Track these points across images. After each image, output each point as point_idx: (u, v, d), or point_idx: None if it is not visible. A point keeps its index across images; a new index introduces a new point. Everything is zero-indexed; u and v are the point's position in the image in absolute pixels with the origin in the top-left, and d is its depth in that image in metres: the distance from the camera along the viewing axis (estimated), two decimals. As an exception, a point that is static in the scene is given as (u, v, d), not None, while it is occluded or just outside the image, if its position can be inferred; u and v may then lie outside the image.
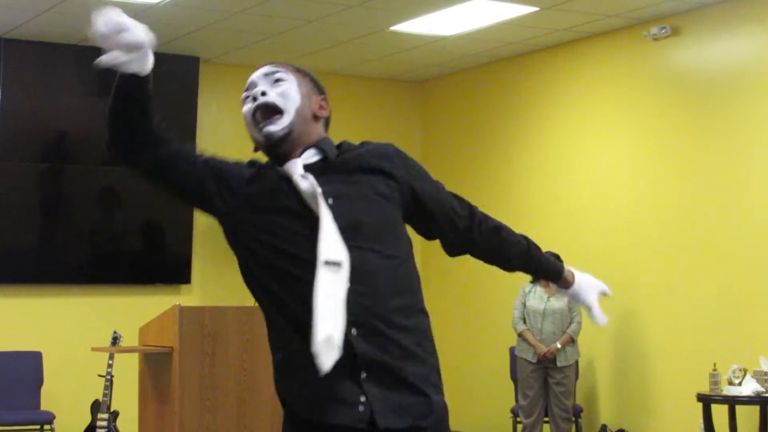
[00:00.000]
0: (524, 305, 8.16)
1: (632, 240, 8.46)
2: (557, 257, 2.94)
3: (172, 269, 9.40)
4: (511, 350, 8.71)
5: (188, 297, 9.34)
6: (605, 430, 8.43)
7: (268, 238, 2.54)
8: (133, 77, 2.66)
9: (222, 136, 9.79)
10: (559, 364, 8.01)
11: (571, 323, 8.09)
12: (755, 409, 7.34)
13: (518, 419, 8.38)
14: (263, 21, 8.27)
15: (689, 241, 8.05)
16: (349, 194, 2.55)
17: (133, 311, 8.56)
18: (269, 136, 2.57)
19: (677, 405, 7.98)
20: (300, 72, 2.71)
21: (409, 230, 2.93)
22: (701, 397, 7.32)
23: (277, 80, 2.65)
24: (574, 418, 8.18)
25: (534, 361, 8.03)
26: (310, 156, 2.60)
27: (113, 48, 2.69)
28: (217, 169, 2.70)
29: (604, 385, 8.66)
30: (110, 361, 8.11)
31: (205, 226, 9.60)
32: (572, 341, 8.08)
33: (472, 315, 9.86)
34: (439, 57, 9.60)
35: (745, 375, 7.20)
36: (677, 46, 8.19)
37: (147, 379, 6.62)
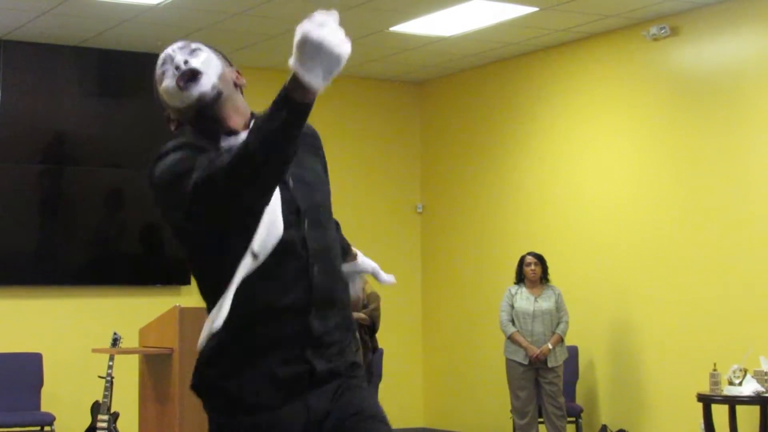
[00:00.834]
0: (512, 307, 8.15)
1: (632, 239, 8.46)
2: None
3: (172, 270, 9.39)
4: (511, 351, 8.72)
5: (188, 298, 9.32)
6: (605, 430, 8.43)
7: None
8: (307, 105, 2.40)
9: (222, 137, 9.79)
10: (549, 364, 8.01)
11: (559, 323, 8.10)
12: (755, 409, 7.33)
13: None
14: (263, 22, 8.27)
15: (689, 240, 8.05)
16: (305, 175, 2.57)
17: (133, 312, 8.56)
18: (201, 97, 2.57)
19: (677, 405, 7.98)
20: (209, 46, 2.69)
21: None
22: (701, 397, 7.32)
23: (194, 50, 2.62)
24: (568, 416, 8.18)
25: (525, 362, 8.03)
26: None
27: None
28: None
29: (605, 385, 8.66)
30: (110, 363, 8.11)
31: (205, 227, 9.60)
32: (561, 341, 8.09)
33: (471, 316, 9.85)
34: (438, 57, 9.60)
35: (745, 375, 7.19)
36: (676, 46, 8.19)
37: (147, 380, 6.62)
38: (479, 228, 9.86)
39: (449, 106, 10.35)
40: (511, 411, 8.20)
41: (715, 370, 7.31)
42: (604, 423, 8.52)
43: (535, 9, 7.97)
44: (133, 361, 6.97)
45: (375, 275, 3.06)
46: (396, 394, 9.73)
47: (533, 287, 8.17)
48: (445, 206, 10.29)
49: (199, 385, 2.70)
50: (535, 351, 7.97)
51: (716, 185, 7.88)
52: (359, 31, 8.58)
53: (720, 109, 7.89)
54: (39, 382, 8.48)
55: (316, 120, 9.75)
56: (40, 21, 8.16)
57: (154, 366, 6.51)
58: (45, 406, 8.43)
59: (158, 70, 2.68)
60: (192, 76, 2.58)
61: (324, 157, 2.72)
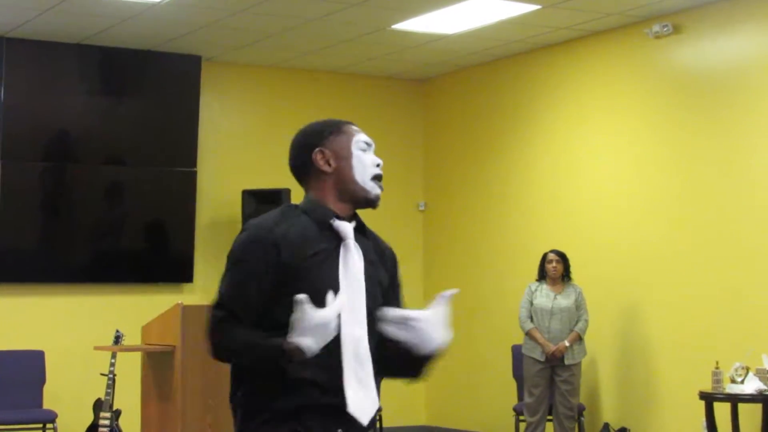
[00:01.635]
0: (531, 303, 8.15)
1: (634, 238, 8.46)
2: None
3: (175, 268, 9.40)
4: (514, 348, 8.70)
5: (191, 296, 9.34)
6: (608, 429, 8.43)
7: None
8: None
9: (223, 134, 9.80)
10: (566, 362, 8.01)
11: (578, 321, 8.09)
12: (758, 407, 7.33)
13: (521, 417, 8.38)
14: (265, 20, 8.27)
15: (691, 239, 8.05)
16: (371, 276, 2.90)
17: (136, 310, 8.57)
18: (377, 200, 3.05)
19: (680, 403, 7.98)
20: None
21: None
22: (704, 395, 7.32)
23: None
24: (576, 416, 8.18)
25: (542, 359, 8.02)
26: (354, 223, 2.92)
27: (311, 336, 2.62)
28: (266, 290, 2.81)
29: (607, 383, 8.65)
30: (113, 360, 8.11)
31: (207, 225, 9.61)
32: (580, 339, 8.08)
33: (474, 313, 9.85)
34: (440, 55, 9.59)
35: (747, 373, 7.19)
36: (679, 43, 8.19)
37: (149, 377, 6.62)
38: (481, 226, 9.86)
39: (451, 104, 10.35)
40: (523, 407, 8.20)
41: (717, 368, 7.31)
42: (606, 421, 8.52)
43: (538, 7, 7.97)
44: (136, 358, 6.97)
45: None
46: (398, 391, 9.69)
47: (554, 285, 8.17)
48: (447, 204, 10.29)
49: None
50: (551, 348, 7.97)
51: (718, 183, 7.88)
52: (361, 29, 8.58)
53: (722, 106, 7.88)
54: (41, 379, 8.48)
55: (318, 117, 9.71)
56: (43, 18, 8.17)
57: (157, 363, 6.52)
58: (47, 404, 8.43)
59: (365, 141, 2.99)
60: (381, 179, 3.01)
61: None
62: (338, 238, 2.81)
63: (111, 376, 8.06)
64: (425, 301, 10.74)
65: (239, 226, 9.38)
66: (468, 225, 10.01)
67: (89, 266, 9.13)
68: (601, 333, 8.56)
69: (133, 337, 7.55)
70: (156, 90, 9.38)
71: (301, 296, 2.59)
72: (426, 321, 3.15)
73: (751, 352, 7.30)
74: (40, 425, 8.20)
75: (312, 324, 2.59)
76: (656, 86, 8.38)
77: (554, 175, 9.21)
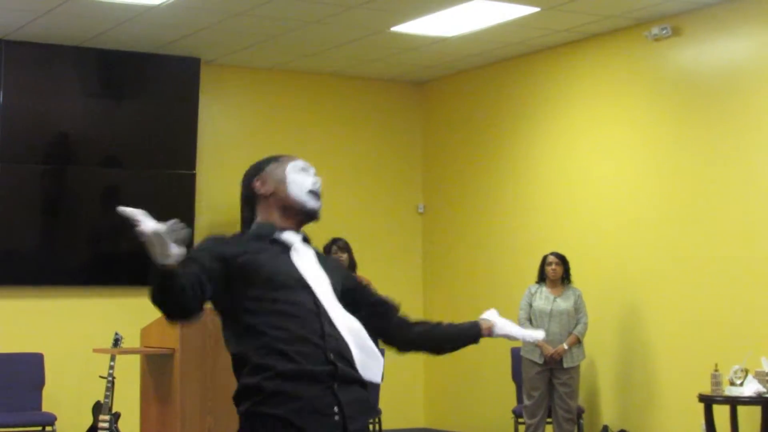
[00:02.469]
0: (530, 306, 8.15)
1: (634, 240, 8.46)
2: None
3: (174, 270, 9.39)
4: (513, 351, 8.70)
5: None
6: (607, 431, 8.43)
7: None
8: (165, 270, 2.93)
9: (223, 136, 9.80)
10: (565, 365, 8.00)
11: (577, 324, 8.08)
12: (757, 410, 7.33)
13: (520, 420, 8.37)
14: (264, 22, 8.27)
15: (691, 241, 8.05)
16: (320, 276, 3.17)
17: (135, 312, 8.52)
18: (316, 212, 3.26)
19: (679, 405, 7.98)
20: None
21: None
22: (703, 398, 7.32)
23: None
24: (575, 419, 8.18)
25: (540, 362, 8.02)
26: (300, 235, 3.24)
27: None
28: (215, 266, 3.13)
29: (606, 385, 8.65)
30: (112, 363, 8.11)
31: (206, 228, 9.61)
32: (578, 342, 8.07)
33: (473, 316, 9.82)
34: (440, 58, 9.60)
35: (746, 375, 7.19)
36: (678, 46, 8.19)
37: (148, 380, 6.62)
38: (480, 228, 9.86)
39: (451, 106, 10.35)
40: (522, 409, 8.19)
41: (716, 370, 7.31)
42: (605, 423, 8.52)
43: (537, 9, 7.97)
44: (135, 361, 6.97)
45: (524, 339, 3.66)
46: (397, 394, 9.73)
47: (554, 287, 8.16)
48: (446, 207, 10.29)
49: None
50: (550, 350, 7.96)
51: (718, 185, 7.88)
52: (360, 32, 8.59)
53: (722, 108, 7.88)
54: (40, 382, 8.48)
55: (318, 121, 9.78)
56: (42, 21, 8.16)
57: (156, 366, 6.52)
58: (46, 406, 8.43)
59: (302, 164, 3.29)
60: (319, 196, 3.27)
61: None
62: (286, 247, 3.14)
63: (110, 378, 8.06)
64: (424, 302, 10.76)
65: (238, 229, 9.42)
66: (467, 227, 10.01)
67: (88, 269, 9.13)
68: (600, 335, 8.56)
69: (132, 340, 7.55)
70: (155, 92, 9.38)
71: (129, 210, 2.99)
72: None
73: (750, 354, 7.30)
74: (40, 428, 8.20)
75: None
76: (655, 89, 8.38)
77: (554, 177, 9.21)
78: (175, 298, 2.94)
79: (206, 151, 9.59)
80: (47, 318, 8.94)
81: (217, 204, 9.65)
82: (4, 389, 8.32)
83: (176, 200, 9.36)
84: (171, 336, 6.34)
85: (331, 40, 8.84)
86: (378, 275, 9.12)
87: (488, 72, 9.87)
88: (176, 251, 2.90)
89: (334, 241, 8.04)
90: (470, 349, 10.61)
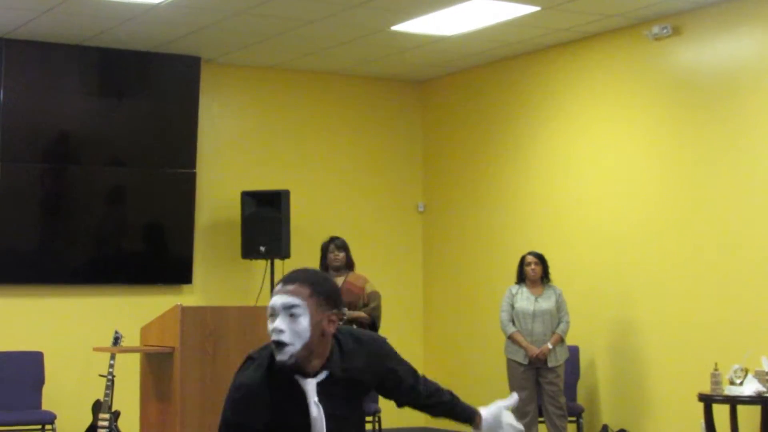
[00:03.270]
0: (512, 307, 8.14)
1: (633, 239, 8.46)
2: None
3: (174, 269, 9.40)
4: (510, 351, 8.71)
5: (190, 297, 9.34)
6: (606, 430, 8.43)
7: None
8: None
9: (223, 135, 9.80)
10: (550, 364, 8.00)
11: (560, 323, 8.09)
12: (756, 409, 7.33)
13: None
14: (264, 21, 8.27)
15: (691, 240, 8.05)
16: (344, 414, 3.19)
17: (135, 311, 8.57)
18: (281, 364, 3.06)
19: (678, 405, 7.98)
20: (315, 295, 3.10)
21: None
22: (702, 397, 7.32)
23: (293, 315, 3.06)
24: (569, 416, 8.17)
25: (525, 362, 8.02)
26: (322, 376, 3.13)
27: None
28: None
29: (606, 385, 8.66)
30: (111, 361, 8.11)
31: (206, 227, 9.61)
32: (562, 341, 8.08)
33: (473, 315, 9.86)
34: (439, 57, 9.60)
35: (746, 375, 7.19)
36: (679, 45, 8.19)
37: (148, 379, 6.62)
38: (480, 227, 9.86)
39: (451, 105, 10.35)
40: (512, 411, 8.18)
41: (716, 369, 7.31)
42: (605, 423, 8.52)
43: (537, 8, 7.97)
44: (135, 359, 6.97)
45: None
46: (397, 393, 9.72)
47: (534, 287, 8.15)
48: (446, 206, 10.29)
49: None
50: (535, 351, 7.96)
51: (718, 185, 7.88)
52: (360, 31, 8.59)
53: (722, 108, 7.88)
54: (40, 380, 8.48)
55: (317, 119, 9.78)
56: (42, 20, 8.17)
57: (156, 365, 6.52)
58: (46, 405, 8.44)
59: (268, 311, 3.11)
60: (279, 345, 3.06)
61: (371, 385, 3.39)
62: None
63: (110, 377, 8.06)
64: (424, 301, 10.74)
65: (238, 228, 9.45)
66: (467, 226, 10.01)
67: (88, 267, 9.13)
68: (600, 335, 8.57)
69: (132, 339, 7.55)
70: (155, 91, 9.38)
71: None
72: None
73: (750, 353, 7.30)
74: (39, 426, 8.19)
75: None
76: (656, 88, 8.38)
77: (554, 176, 9.21)
78: None
79: (206, 149, 9.59)
80: (47, 316, 8.95)
81: (218, 202, 9.65)
82: (4, 388, 8.32)
83: (176, 199, 9.36)
84: (171, 335, 6.34)
85: (332, 38, 8.84)
86: (378, 274, 9.13)
87: (488, 71, 9.87)
88: None
89: (332, 239, 8.04)
90: (470, 347, 10.64)
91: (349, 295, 7.83)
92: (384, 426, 8.71)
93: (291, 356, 3.04)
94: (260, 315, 6.51)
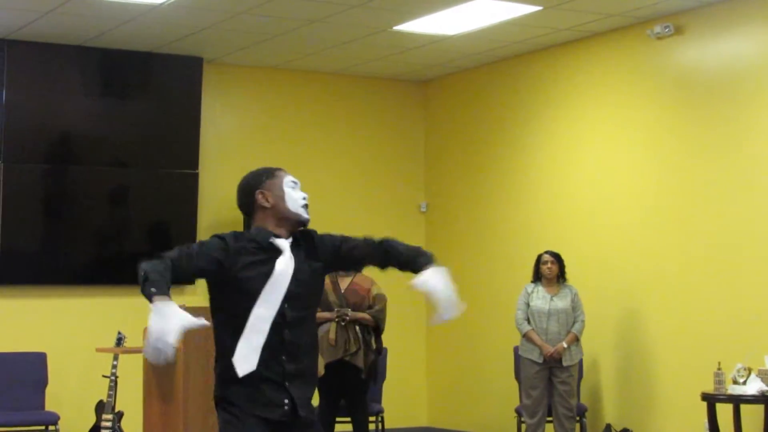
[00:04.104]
0: (527, 305, 8.14)
1: (636, 239, 8.46)
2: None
3: (177, 270, 9.39)
4: (515, 350, 8.69)
5: (193, 297, 9.28)
6: (609, 430, 8.43)
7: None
8: None
9: (225, 136, 9.80)
10: (564, 363, 8.00)
11: (575, 322, 8.08)
12: (760, 408, 7.33)
13: (522, 419, 8.36)
14: (266, 21, 8.27)
15: (693, 239, 8.05)
16: (305, 278, 3.81)
17: (138, 312, 8.48)
18: (307, 222, 3.93)
19: (681, 404, 7.98)
20: None
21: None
22: (706, 397, 7.32)
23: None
24: (578, 418, 8.17)
25: (540, 361, 8.01)
26: (290, 240, 3.87)
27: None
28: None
29: (609, 384, 8.65)
30: (115, 362, 8.11)
31: (209, 227, 9.61)
32: (577, 340, 8.07)
33: (476, 314, 9.85)
34: (442, 56, 9.60)
35: (749, 374, 7.19)
36: (681, 44, 8.19)
37: (151, 379, 6.62)
38: (483, 227, 9.86)
39: (453, 105, 10.35)
40: (522, 409, 8.18)
41: (719, 369, 7.31)
42: (608, 422, 8.52)
43: (539, 8, 7.97)
44: (138, 360, 6.97)
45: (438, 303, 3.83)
46: (400, 393, 9.74)
47: (550, 286, 8.15)
48: (449, 205, 10.29)
49: None
50: (550, 349, 7.96)
51: (720, 184, 7.88)
52: (362, 31, 8.59)
53: (724, 107, 7.88)
54: (43, 381, 8.48)
55: (321, 120, 9.80)
56: (44, 21, 8.17)
57: (159, 365, 6.51)
58: (49, 406, 8.44)
59: (292, 179, 3.93)
60: (306, 207, 3.96)
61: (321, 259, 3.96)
62: (277, 252, 3.75)
63: (113, 377, 8.07)
64: (426, 303, 10.65)
65: (241, 228, 9.42)
66: (470, 226, 10.01)
67: (91, 268, 9.13)
68: (603, 334, 8.56)
69: (135, 339, 7.55)
70: (158, 92, 9.39)
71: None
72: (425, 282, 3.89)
73: (753, 353, 7.29)
74: (43, 427, 8.20)
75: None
76: (658, 87, 8.38)
77: (556, 175, 9.21)
78: None
79: (209, 150, 9.59)
80: (50, 317, 8.95)
81: (220, 203, 9.65)
82: (8, 389, 8.33)
83: (179, 199, 9.37)
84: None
85: (334, 38, 8.84)
86: (380, 275, 9.12)
87: (490, 71, 9.87)
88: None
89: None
90: (473, 347, 10.66)
91: (354, 296, 7.81)
92: (387, 426, 8.71)
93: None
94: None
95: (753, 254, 7.65)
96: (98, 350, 7.54)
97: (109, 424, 8.04)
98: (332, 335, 7.65)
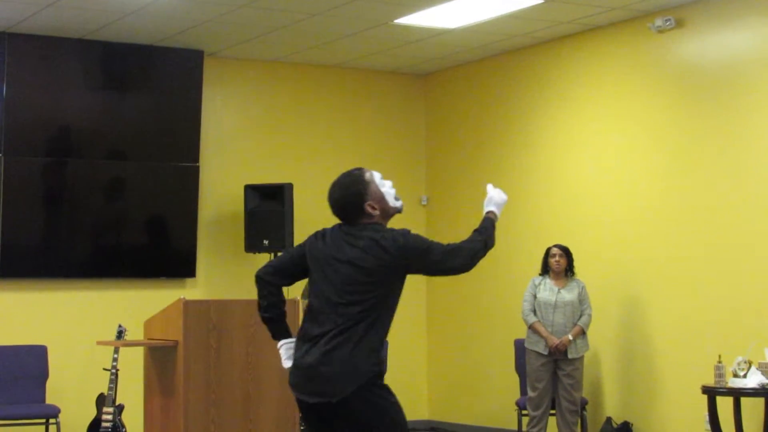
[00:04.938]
0: (534, 297, 8.15)
1: (637, 231, 8.46)
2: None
3: (177, 263, 9.40)
4: (516, 342, 8.70)
5: (193, 290, 9.34)
6: (610, 423, 8.43)
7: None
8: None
9: (226, 129, 9.80)
10: (569, 356, 8.00)
11: (581, 315, 8.09)
12: (760, 401, 7.33)
13: (524, 412, 8.37)
14: (267, 14, 8.26)
15: (694, 232, 8.04)
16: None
17: (138, 305, 8.57)
18: (400, 211, 4.39)
19: (682, 397, 7.98)
20: None
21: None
22: (706, 390, 7.32)
23: None
24: (580, 411, 8.18)
25: (545, 353, 8.02)
26: None
27: None
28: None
29: (609, 377, 8.65)
30: (115, 355, 8.12)
31: (210, 220, 9.61)
32: (583, 333, 8.07)
33: (477, 308, 9.85)
34: (443, 50, 9.59)
35: (750, 367, 7.19)
36: (682, 37, 8.18)
37: (152, 372, 6.62)
38: (484, 220, 9.84)
39: (454, 98, 10.34)
40: (526, 401, 8.19)
41: (719, 362, 7.31)
42: (608, 415, 8.52)
43: (540, 1, 7.96)
44: (138, 353, 6.98)
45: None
46: (401, 387, 9.66)
47: (557, 279, 8.16)
48: (449, 199, 10.29)
49: None
50: (555, 341, 7.96)
51: (721, 177, 7.87)
52: (363, 24, 8.58)
53: (725, 100, 7.87)
54: (44, 374, 8.48)
55: (321, 112, 9.78)
56: (44, 14, 8.16)
57: (159, 358, 6.52)
58: (50, 399, 8.44)
59: (375, 176, 4.27)
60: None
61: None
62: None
63: (114, 371, 8.07)
64: (428, 294, 10.67)
65: (242, 221, 9.45)
66: (471, 219, 9.93)
67: (92, 261, 9.13)
68: (604, 327, 8.56)
69: (135, 332, 7.56)
70: (158, 85, 9.38)
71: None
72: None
73: (754, 345, 7.30)
74: (43, 420, 8.20)
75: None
76: (659, 80, 8.37)
77: (557, 168, 9.20)
78: None
79: (209, 143, 9.58)
80: (51, 310, 8.95)
81: (221, 196, 9.65)
82: (8, 382, 8.33)
83: (180, 192, 9.36)
84: (174, 328, 6.34)
85: (335, 32, 8.83)
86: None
87: (491, 64, 9.86)
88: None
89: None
90: (474, 340, 10.65)
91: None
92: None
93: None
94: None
95: (754, 247, 7.65)
96: (99, 343, 7.53)
97: (109, 417, 8.04)
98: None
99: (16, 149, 8.74)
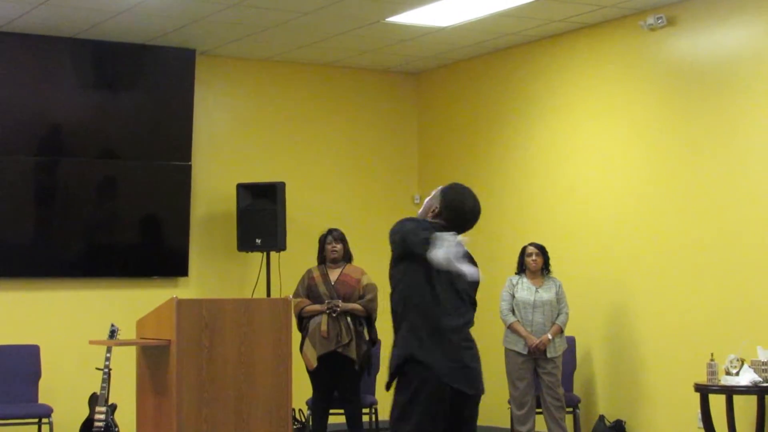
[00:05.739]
0: (513, 297, 8.15)
1: (629, 230, 8.47)
2: None
3: (170, 262, 9.39)
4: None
5: (186, 290, 9.33)
6: (603, 421, 8.44)
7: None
8: None
9: (218, 128, 9.79)
10: (549, 355, 8.01)
11: (559, 314, 8.10)
12: (753, 399, 7.34)
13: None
14: (259, 13, 8.26)
15: (686, 231, 8.05)
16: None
17: (131, 304, 8.56)
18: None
19: (675, 395, 7.99)
20: None
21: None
22: (699, 388, 7.33)
23: None
24: (566, 407, 8.18)
25: (524, 352, 8.03)
26: None
27: None
28: None
29: (602, 375, 8.66)
30: (108, 354, 8.10)
31: (202, 219, 9.60)
32: (561, 332, 8.09)
33: (470, 306, 9.85)
34: (435, 48, 9.59)
35: (742, 365, 7.20)
36: (673, 35, 8.19)
37: (145, 372, 6.62)
38: (476, 219, 9.84)
39: (446, 96, 10.34)
40: (509, 401, 8.20)
41: (712, 360, 7.32)
42: (601, 413, 8.53)
43: (532, -1, 7.97)
44: (131, 352, 6.97)
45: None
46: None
47: (534, 278, 8.16)
48: (442, 197, 10.27)
49: None
50: (535, 341, 7.97)
51: (713, 175, 7.88)
52: (356, 22, 8.58)
53: (716, 98, 7.88)
54: (36, 374, 8.47)
55: (313, 110, 9.80)
56: (36, 12, 8.15)
57: (152, 358, 6.51)
58: (42, 398, 8.43)
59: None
60: None
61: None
62: None
63: (106, 370, 8.06)
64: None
65: (234, 220, 9.45)
66: (463, 218, 9.99)
67: (84, 260, 9.11)
68: (595, 325, 8.57)
69: (128, 332, 7.54)
70: (150, 84, 9.36)
71: None
72: None
73: (746, 343, 7.31)
74: (36, 420, 8.19)
75: None
76: (650, 78, 8.38)
77: (549, 167, 9.21)
78: None
79: (201, 142, 9.57)
80: (43, 310, 8.94)
81: (213, 195, 9.64)
82: (0, 381, 8.31)
83: (172, 191, 9.35)
84: (167, 327, 6.33)
85: (326, 30, 8.83)
86: (374, 266, 9.12)
87: (484, 62, 9.86)
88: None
89: (330, 231, 8.03)
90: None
91: (345, 287, 7.83)
92: (381, 418, 8.71)
93: None
94: (256, 307, 6.52)
95: (745, 245, 7.66)
96: (91, 343, 7.51)
97: (102, 416, 8.03)
98: (324, 327, 7.66)
99: (7, 148, 8.72)
